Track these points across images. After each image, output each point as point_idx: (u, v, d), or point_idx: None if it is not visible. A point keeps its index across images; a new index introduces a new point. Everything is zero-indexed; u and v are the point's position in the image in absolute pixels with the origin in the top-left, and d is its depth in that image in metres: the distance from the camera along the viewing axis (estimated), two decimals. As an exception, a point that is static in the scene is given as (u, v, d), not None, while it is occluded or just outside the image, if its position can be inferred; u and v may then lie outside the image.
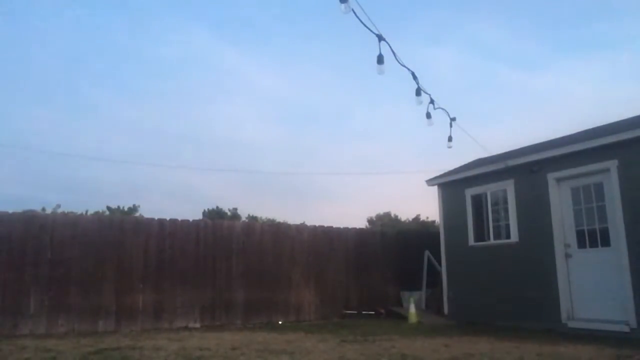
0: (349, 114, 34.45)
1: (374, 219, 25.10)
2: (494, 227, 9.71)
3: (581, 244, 8.16)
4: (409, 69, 5.43)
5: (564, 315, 8.07)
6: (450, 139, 7.52)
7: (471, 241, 9.99)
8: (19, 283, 8.20)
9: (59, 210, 18.65)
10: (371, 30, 4.55)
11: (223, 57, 30.17)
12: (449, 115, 7.09)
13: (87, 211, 16.91)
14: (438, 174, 11.20)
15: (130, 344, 6.71)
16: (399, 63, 5.08)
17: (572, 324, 7.92)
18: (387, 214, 25.25)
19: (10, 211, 8.57)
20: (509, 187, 9.36)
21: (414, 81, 5.72)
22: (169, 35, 27.72)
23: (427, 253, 11.69)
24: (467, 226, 10.07)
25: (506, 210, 9.42)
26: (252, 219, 22.41)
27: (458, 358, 5.50)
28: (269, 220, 21.20)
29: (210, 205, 23.99)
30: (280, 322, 10.12)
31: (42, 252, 8.47)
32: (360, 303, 11.27)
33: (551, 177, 8.59)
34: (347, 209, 31.25)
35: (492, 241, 9.67)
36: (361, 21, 4.32)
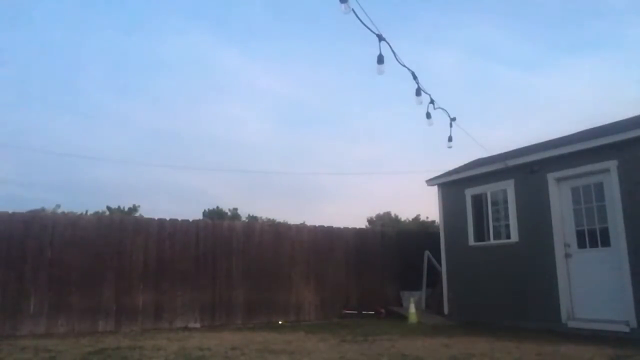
0: (349, 113, 34.47)
1: (374, 219, 25.10)
2: (494, 227, 9.70)
3: (581, 244, 8.16)
4: (409, 69, 5.43)
5: (564, 315, 8.07)
6: (450, 139, 7.51)
7: (471, 241, 9.99)
8: (19, 283, 8.19)
9: (59, 210, 18.68)
10: (371, 30, 4.54)
11: (223, 57, 30.17)
12: (449, 115, 7.08)
13: (87, 211, 16.92)
14: (438, 174, 11.20)
15: (130, 344, 6.70)
16: (399, 63, 5.08)
17: (572, 324, 7.92)
18: (387, 214, 25.26)
19: (10, 211, 8.56)
20: (509, 187, 9.36)
21: (414, 81, 5.71)
22: (169, 35, 27.72)
23: (427, 253, 11.68)
24: (467, 226, 10.07)
25: (506, 210, 9.41)
26: (252, 219, 22.42)
27: (458, 358, 5.50)
28: (269, 220, 21.21)
29: (210, 205, 24.01)
30: (280, 322, 10.12)
31: (42, 252, 8.47)
32: (360, 303, 11.27)
33: (551, 177, 8.59)
34: (347, 209, 31.25)
35: (492, 241, 9.67)
36: (361, 21, 4.31)
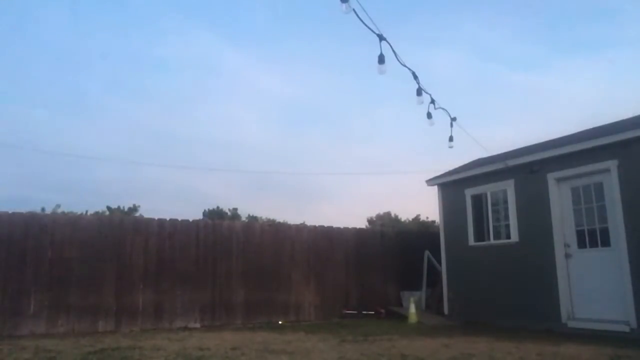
0: (350, 113, 34.47)
1: (374, 219, 25.09)
2: (494, 227, 9.71)
3: (581, 244, 8.16)
4: (409, 69, 5.42)
5: (564, 315, 8.07)
6: (451, 138, 7.50)
7: (471, 241, 9.99)
8: (19, 283, 8.19)
9: (59, 210, 18.67)
10: (372, 30, 4.54)
11: (223, 58, 30.17)
12: (449, 115, 7.07)
13: (87, 211, 16.93)
14: (438, 174, 11.20)
15: (130, 344, 6.70)
16: (400, 63, 5.07)
17: (572, 324, 7.92)
18: (387, 214, 25.24)
19: (10, 211, 8.56)
20: (509, 187, 9.36)
21: (414, 81, 5.71)
22: (169, 35, 27.73)
23: (427, 253, 11.69)
24: (467, 226, 10.07)
25: (506, 210, 9.41)
26: (252, 219, 22.41)
27: (458, 358, 5.50)
28: (269, 220, 21.21)
29: (210, 205, 24.01)
30: (280, 322, 10.12)
31: (42, 252, 8.46)
32: (360, 303, 11.27)
33: (551, 177, 8.59)
34: (347, 209, 31.26)
35: (492, 241, 9.67)
36: (362, 21, 4.31)
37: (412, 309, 10.11)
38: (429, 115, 6.50)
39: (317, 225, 11.52)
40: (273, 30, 28.52)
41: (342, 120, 34.91)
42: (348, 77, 31.88)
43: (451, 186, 10.65)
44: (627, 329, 7.16)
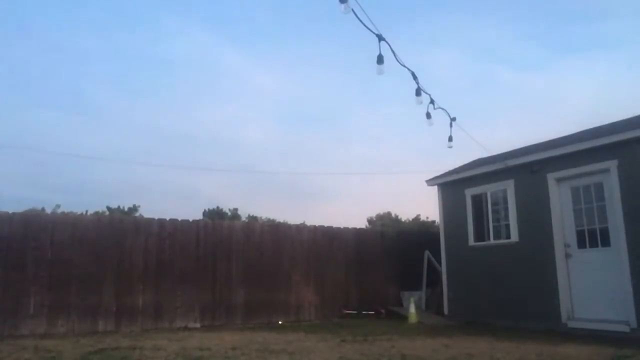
0: (349, 114, 34.46)
1: (374, 219, 25.07)
2: (494, 227, 9.70)
3: (581, 244, 8.16)
4: (409, 69, 5.42)
5: (564, 315, 8.07)
6: (450, 139, 7.50)
7: (471, 241, 9.99)
8: (19, 283, 8.19)
9: (59, 210, 18.66)
10: (371, 31, 4.54)
11: (223, 57, 30.17)
12: (449, 115, 7.07)
13: (87, 211, 16.90)
14: (438, 174, 11.20)
15: (130, 344, 6.70)
16: (399, 63, 5.08)
17: (572, 324, 7.92)
18: (387, 214, 25.22)
19: (10, 211, 8.56)
20: (509, 187, 9.36)
21: (414, 81, 5.71)
22: (169, 35, 27.73)
23: (427, 253, 11.68)
24: (467, 226, 10.07)
25: (506, 210, 9.41)
26: (252, 219, 22.39)
27: (458, 358, 5.50)
28: (269, 220, 21.20)
29: (210, 205, 24.00)
30: (280, 322, 10.12)
31: (42, 252, 8.46)
32: (360, 303, 11.27)
33: (551, 177, 8.59)
34: (347, 209, 31.24)
35: (492, 241, 9.67)
36: (361, 21, 4.31)
37: (412, 309, 10.11)
38: (429, 116, 6.50)
39: (317, 225, 11.53)
40: (273, 30, 28.52)
41: (342, 120, 34.92)
42: (348, 77, 31.90)
43: (451, 186, 10.65)
44: (627, 329, 7.16)
